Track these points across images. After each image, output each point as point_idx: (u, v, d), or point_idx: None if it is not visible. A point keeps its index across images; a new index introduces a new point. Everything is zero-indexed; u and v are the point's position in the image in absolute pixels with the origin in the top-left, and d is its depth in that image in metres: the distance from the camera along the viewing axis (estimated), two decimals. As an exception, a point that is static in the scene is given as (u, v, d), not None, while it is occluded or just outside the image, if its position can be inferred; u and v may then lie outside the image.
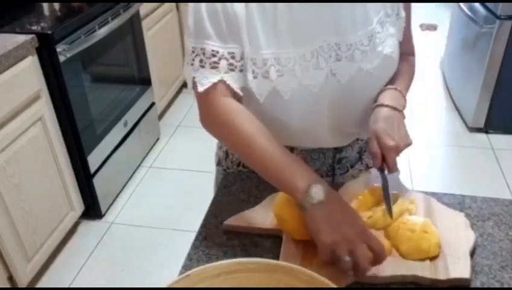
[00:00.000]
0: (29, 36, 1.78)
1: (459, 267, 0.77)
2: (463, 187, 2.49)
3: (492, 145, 2.85)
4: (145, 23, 2.71)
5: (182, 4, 3.21)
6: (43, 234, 1.96)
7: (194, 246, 0.87)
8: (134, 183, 2.62)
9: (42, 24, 1.95)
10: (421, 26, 4.56)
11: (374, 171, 0.93)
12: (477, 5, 2.89)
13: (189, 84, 0.92)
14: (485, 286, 0.76)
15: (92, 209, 2.32)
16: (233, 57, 0.87)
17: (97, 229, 2.31)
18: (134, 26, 2.56)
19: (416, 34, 4.44)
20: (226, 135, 0.89)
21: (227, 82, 0.87)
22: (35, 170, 1.89)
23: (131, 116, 2.58)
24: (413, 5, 1.00)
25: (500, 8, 2.57)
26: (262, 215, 0.91)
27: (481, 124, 2.94)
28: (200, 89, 0.88)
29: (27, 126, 1.81)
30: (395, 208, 0.87)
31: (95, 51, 2.18)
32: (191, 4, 0.88)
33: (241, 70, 0.89)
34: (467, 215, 0.89)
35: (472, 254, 0.81)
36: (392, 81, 0.98)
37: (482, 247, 0.83)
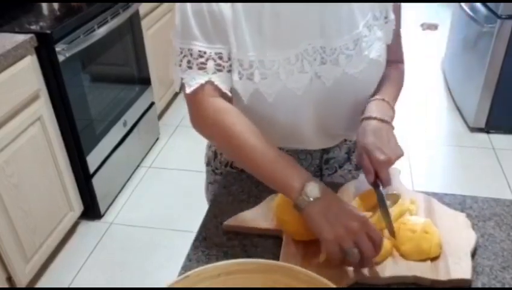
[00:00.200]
0: (28, 36, 1.77)
1: (460, 268, 0.77)
2: (464, 187, 2.49)
3: (494, 145, 2.84)
4: (144, 23, 2.71)
5: (181, 4, 3.20)
6: (42, 234, 1.96)
7: (194, 247, 0.87)
8: (133, 183, 2.62)
9: (41, 23, 1.95)
10: (422, 25, 4.56)
11: (362, 177, 0.91)
12: (478, 4, 2.89)
13: (176, 86, 0.91)
14: (486, 287, 0.76)
15: (91, 210, 2.31)
16: (220, 58, 0.87)
17: (96, 230, 2.30)
18: (133, 26, 2.56)
19: (417, 33, 4.45)
20: (217, 135, 0.89)
21: (215, 83, 0.87)
22: (34, 170, 1.88)
23: (130, 116, 2.57)
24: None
25: (501, 8, 2.57)
26: (262, 216, 0.90)
27: (482, 124, 2.94)
28: (188, 90, 0.87)
29: (26, 126, 1.80)
30: (396, 209, 0.87)
31: (94, 51, 2.17)
32: (177, 4, 0.88)
33: (229, 71, 0.89)
34: (468, 216, 0.89)
35: (473, 254, 0.81)
36: (380, 91, 0.97)
37: (483, 247, 0.83)
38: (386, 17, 0.94)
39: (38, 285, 2.01)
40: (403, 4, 0.99)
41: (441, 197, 0.94)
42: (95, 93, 2.23)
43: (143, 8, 2.67)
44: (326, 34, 0.87)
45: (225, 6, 0.84)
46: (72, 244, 2.22)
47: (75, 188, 2.19)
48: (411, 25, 4.53)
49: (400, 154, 0.86)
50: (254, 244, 0.87)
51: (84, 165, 2.17)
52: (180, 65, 0.88)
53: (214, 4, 0.84)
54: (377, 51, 0.92)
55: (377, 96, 0.94)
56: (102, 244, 2.23)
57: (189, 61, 0.87)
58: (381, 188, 0.86)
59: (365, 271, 0.77)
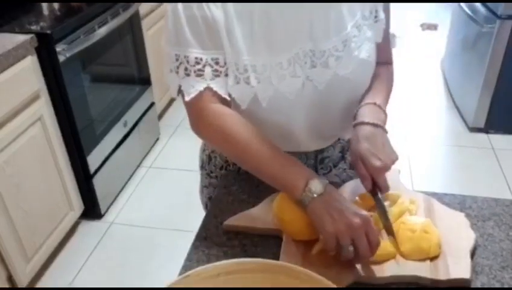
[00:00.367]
0: (29, 36, 1.78)
1: (459, 268, 0.77)
2: (463, 187, 2.49)
3: (493, 145, 2.85)
4: (144, 23, 2.71)
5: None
6: (42, 234, 1.96)
7: (194, 246, 0.87)
8: (134, 183, 2.62)
9: (41, 24, 1.95)
10: (422, 25, 4.56)
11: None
12: (477, 4, 2.89)
13: (173, 92, 0.91)
14: (486, 286, 0.76)
15: (92, 210, 2.32)
16: (217, 63, 0.87)
17: (97, 230, 2.31)
18: (133, 26, 2.56)
19: (417, 33, 4.45)
20: (219, 140, 0.89)
21: (214, 89, 0.87)
22: (35, 170, 1.89)
23: (130, 116, 2.57)
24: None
25: (501, 8, 2.57)
26: (262, 216, 0.91)
27: (481, 124, 2.94)
28: (187, 98, 0.88)
29: (26, 126, 1.80)
30: (395, 208, 0.87)
31: (94, 51, 2.18)
32: (169, 9, 0.87)
33: (226, 75, 0.89)
34: (468, 216, 0.89)
35: (472, 254, 0.81)
36: (370, 94, 0.96)
37: (483, 247, 0.83)
38: (376, 17, 0.94)
39: (39, 285, 2.01)
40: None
41: (440, 197, 0.94)
42: (95, 93, 2.23)
43: (143, 8, 2.67)
44: (314, 37, 0.87)
45: (217, 12, 0.84)
46: (72, 244, 2.23)
47: (76, 188, 2.19)
48: (411, 25, 4.53)
49: (395, 158, 0.86)
50: (254, 244, 0.87)
51: (84, 165, 2.17)
52: (177, 72, 0.88)
53: (206, 10, 0.84)
54: (366, 51, 0.92)
55: (368, 101, 0.93)
56: (103, 244, 2.23)
57: (186, 68, 0.87)
58: (379, 195, 0.85)
59: (365, 271, 0.78)
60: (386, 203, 0.87)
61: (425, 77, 3.69)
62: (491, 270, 0.79)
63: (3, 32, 1.84)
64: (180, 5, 0.85)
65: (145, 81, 2.76)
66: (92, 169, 2.22)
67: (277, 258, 0.81)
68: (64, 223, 2.11)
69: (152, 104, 2.85)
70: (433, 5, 4.99)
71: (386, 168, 0.84)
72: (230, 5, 0.84)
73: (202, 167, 1.18)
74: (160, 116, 3.11)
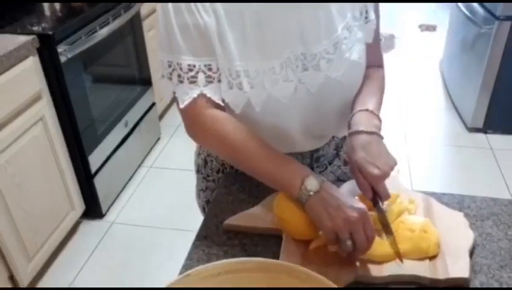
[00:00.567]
0: (30, 37, 1.78)
1: (458, 267, 0.77)
2: (462, 187, 2.49)
3: (491, 145, 2.85)
4: (145, 24, 2.71)
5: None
6: (44, 234, 1.97)
7: (195, 246, 0.87)
8: (134, 183, 2.62)
9: (43, 25, 1.96)
10: (421, 26, 4.56)
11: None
12: (476, 5, 2.89)
13: (167, 97, 0.92)
14: (484, 286, 0.77)
15: (93, 209, 2.32)
16: (210, 69, 0.88)
17: (98, 229, 2.31)
18: (134, 27, 2.56)
19: (416, 34, 4.45)
20: (216, 144, 0.90)
21: (208, 95, 0.88)
22: (36, 170, 1.89)
23: (131, 116, 2.58)
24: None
25: (499, 9, 2.57)
26: (262, 215, 0.91)
27: (480, 124, 2.94)
28: (182, 105, 0.89)
29: (28, 126, 1.81)
30: (394, 208, 0.87)
31: (95, 52, 2.18)
32: (159, 15, 0.87)
33: (219, 81, 0.89)
34: (466, 215, 0.89)
35: (471, 253, 0.82)
36: (362, 100, 0.96)
37: (481, 246, 0.84)
38: (366, 17, 0.94)
39: (40, 284, 2.02)
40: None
41: (439, 197, 0.95)
42: (96, 93, 2.24)
43: (144, 9, 2.67)
44: (306, 41, 0.88)
45: (209, 19, 0.84)
46: (73, 244, 2.23)
47: (77, 188, 2.20)
48: (410, 26, 4.53)
49: (393, 164, 0.84)
50: (254, 244, 0.87)
51: (85, 165, 2.18)
52: (170, 78, 0.89)
53: (198, 17, 0.84)
54: (357, 52, 0.93)
55: (360, 108, 0.92)
56: (104, 243, 2.24)
57: (179, 76, 0.87)
58: (380, 204, 0.84)
59: (365, 270, 0.78)
60: (385, 203, 0.87)
61: (424, 77, 3.69)
62: (490, 270, 0.79)
63: (5, 33, 1.84)
64: (171, 9, 0.85)
65: (146, 82, 2.76)
66: (93, 169, 2.22)
67: (277, 257, 0.82)
68: (65, 223, 2.11)
69: (153, 104, 2.86)
70: (431, 6, 4.99)
71: (385, 175, 0.83)
72: (221, 10, 0.84)
73: (198, 171, 1.19)
74: (161, 117, 3.12)
